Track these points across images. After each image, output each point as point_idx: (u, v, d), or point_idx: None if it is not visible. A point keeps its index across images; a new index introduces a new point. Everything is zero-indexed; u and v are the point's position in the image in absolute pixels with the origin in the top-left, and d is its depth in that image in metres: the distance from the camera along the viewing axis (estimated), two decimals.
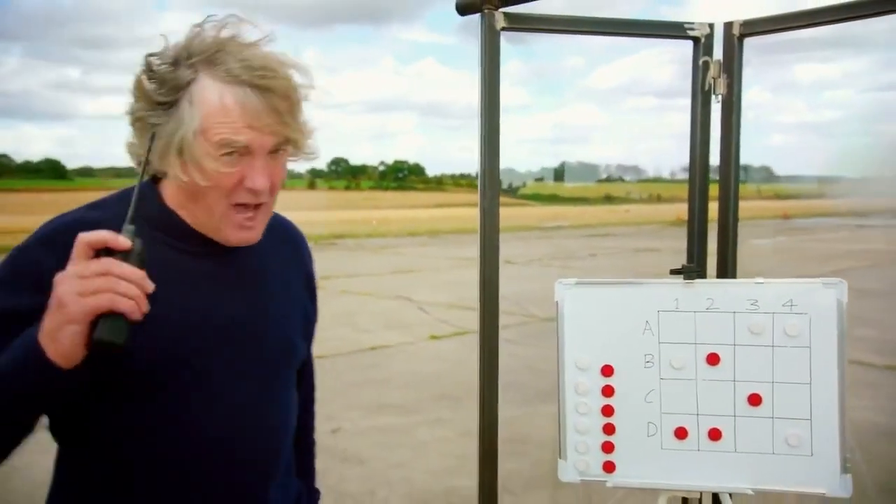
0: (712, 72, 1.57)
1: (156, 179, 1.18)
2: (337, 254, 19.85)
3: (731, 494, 1.39)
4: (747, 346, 1.34)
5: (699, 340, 1.36)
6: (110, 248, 0.98)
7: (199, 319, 1.15)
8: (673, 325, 1.37)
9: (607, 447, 1.40)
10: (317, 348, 1.44)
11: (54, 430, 1.16)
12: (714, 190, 1.63)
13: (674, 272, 1.42)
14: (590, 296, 1.41)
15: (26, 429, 1.06)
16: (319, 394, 1.51)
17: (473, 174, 1.57)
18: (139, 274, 0.98)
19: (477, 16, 1.51)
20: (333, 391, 6.13)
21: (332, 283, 13.07)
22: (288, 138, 1.13)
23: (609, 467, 1.40)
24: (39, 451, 1.21)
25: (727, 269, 1.62)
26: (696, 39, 1.59)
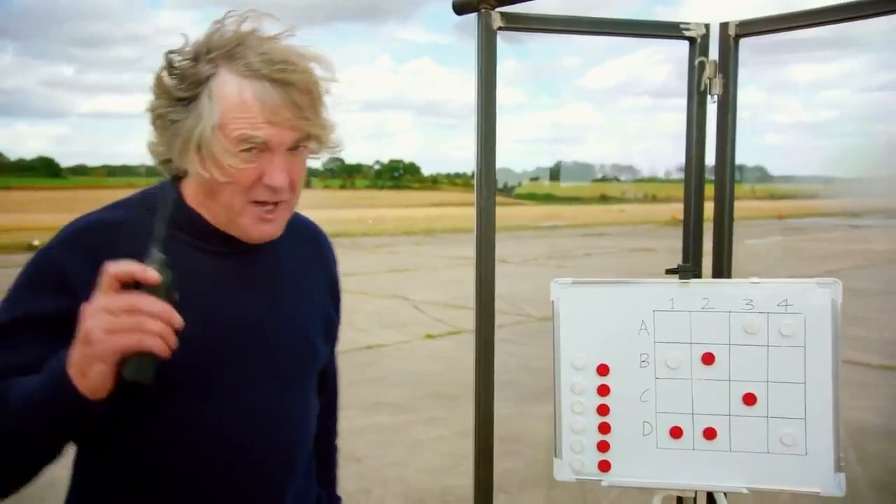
0: (708, 72, 1.58)
1: (176, 178, 1.16)
2: None
3: (725, 493, 1.39)
4: (742, 346, 1.34)
5: (694, 340, 1.36)
6: (138, 280, 0.96)
7: (219, 321, 1.14)
8: (668, 324, 1.37)
9: (602, 446, 1.40)
10: None
11: None
12: (709, 190, 1.63)
13: (669, 272, 1.43)
14: (585, 295, 1.41)
15: (54, 453, 1.04)
16: None
17: (469, 173, 1.58)
18: (167, 309, 0.96)
19: (473, 15, 1.51)
20: None
21: None
22: (308, 134, 1.11)
23: (604, 466, 1.40)
24: None
25: (722, 268, 1.63)
26: (691, 40, 1.60)
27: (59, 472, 1.15)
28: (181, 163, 1.11)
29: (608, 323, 1.40)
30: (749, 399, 1.34)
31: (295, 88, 1.07)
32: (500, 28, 1.51)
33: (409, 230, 29.33)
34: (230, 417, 1.14)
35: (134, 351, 0.94)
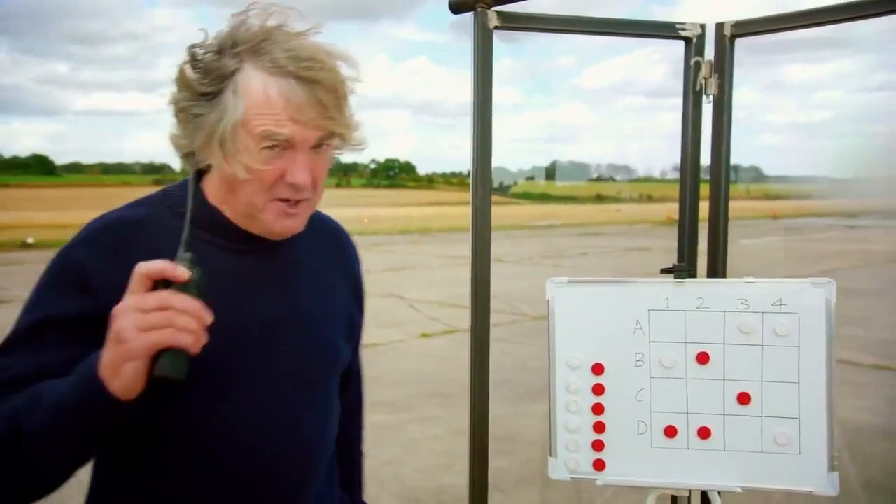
0: (703, 72, 1.58)
1: (198, 174, 1.15)
2: None
3: (720, 493, 1.40)
4: (737, 346, 1.35)
5: (689, 339, 1.37)
6: (168, 278, 0.96)
7: (239, 318, 1.13)
8: (663, 324, 1.38)
9: (597, 445, 1.40)
10: None
11: None
12: (705, 189, 1.63)
13: (664, 271, 1.43)
14: (581, 294, 1.41)
15: (85, 456, 1.04)
16: None
17: (464, 172, 1.57)
18: (198, 306, 0.96)
19: (470, 14, 1.51)
20: None
21: None
22: (333, 133, 1.09)
23: (599, 465, 1.40)
24: None
25: (717, 268, 1.63)
26: (687, 40, 1.60)
27: (80, 472, 1.15)
28: (204, 157, 1.10)
29: (603, 322, 1.40)
30: (743, 398, 1.34)
31: (321, 87, 1.06)
32: (496, 27, 1.51)
33: (405, 229, 29.33)
34: (248, 416, 1.12)
35: (166, 348, 0.94)
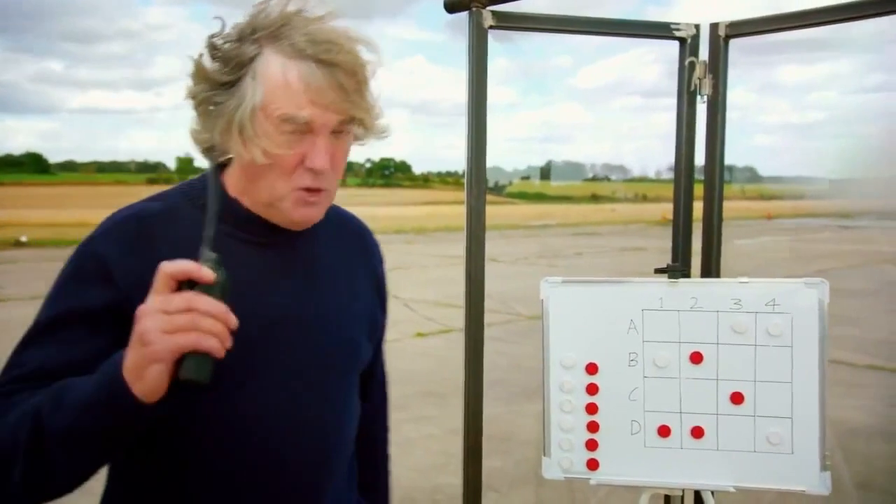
0: (698, 72, 1.58)
1: (218, 168, 1.14)
2: None
3: (713, 492, 1.40)
4: (730, 345, 1.35)
5: (683, 339, 1.37)
6: (193, 279, 0.95)
7: (258, 312, 1.11)
8: (657, 323, 1.38)
9: (591, 445, 1.40)
10: None
11: None
12: (699, 190, 1.64)
13: (658, 271, 1.43)
14: (575, 294, 1.41)
15: (107, 456, 1.03)
16: None
17: (460, 172, 1.57)
18: (223, 309, 0.95)
19: (465, 13, 1.51)
20: None
21: None
22: (353, 117, 1.08)
23: (593, 465, 1.40)
24: None
25: (711, 268, 1.63)
26: (682, 40, 1.60)
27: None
28: (223, 145, 1.09)
29: (597, 322, 1.40)
30: (736, 398, 1.34)
31: (341, 70, 1.05)
32: (490, 27, 1.51)
33: (400, 229, 29.30)
34: (265, 414, 1.11)
35: (190, 351, 0.93)
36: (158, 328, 0.91)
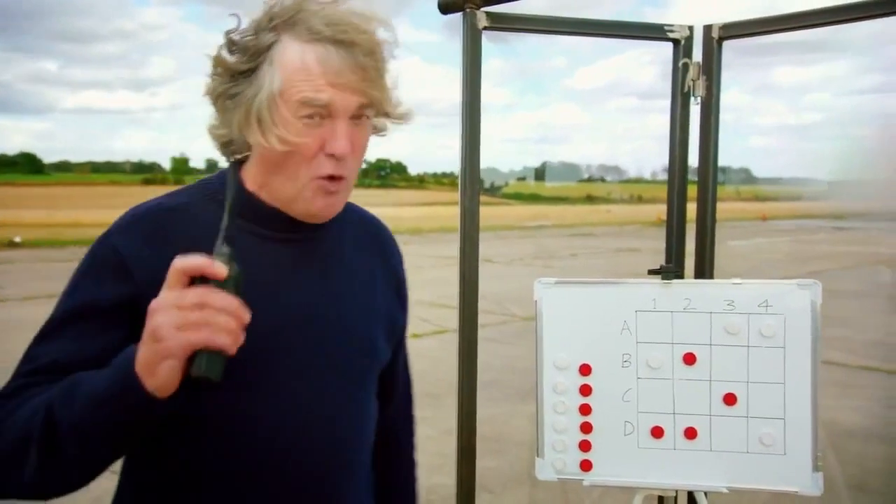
0: (692, 74, 1.58)
1: (236, 164, 1.13)
2: None
3: (706, 493, 1.40)
4: (723, 346, 1.35)
5: (676, 340, 1.37)
6: (206, 275, 0.94)
7: (275, 309, 1.10)
8: (650, 324, 1.38)
9: (584, 446, 1.40)
10: None
11: None
12: (693, 191, 1.64)
13: (652, 272, 1.43)
14: (569, 295, 1.42)
15: (118, 451, 1.03)
16: None
17: (456, 173, 1.57)
18: (236, 304, 0.94)
19: (459, 14, 1.51)
20: None
21: None
22: (372, 99, 1.08)
23: (586, 466, 1.41)
24: None
25: (705, 269, 1.64)
26: (675, 41, 1.60)
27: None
28: (243, 134, 1.08)
29: (591, 323, 1.40)
30: (729, 399, 1.35)
31: (359, 49, 1.05)
32: (485, 28, 1.51)
33: (396, 229, 29.08)
34: (281, 413, 1.10)
35: (202, 347, 0.92)
36: (171, 324, 0.91)
